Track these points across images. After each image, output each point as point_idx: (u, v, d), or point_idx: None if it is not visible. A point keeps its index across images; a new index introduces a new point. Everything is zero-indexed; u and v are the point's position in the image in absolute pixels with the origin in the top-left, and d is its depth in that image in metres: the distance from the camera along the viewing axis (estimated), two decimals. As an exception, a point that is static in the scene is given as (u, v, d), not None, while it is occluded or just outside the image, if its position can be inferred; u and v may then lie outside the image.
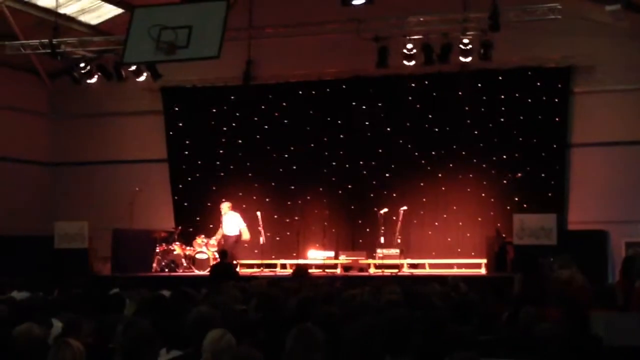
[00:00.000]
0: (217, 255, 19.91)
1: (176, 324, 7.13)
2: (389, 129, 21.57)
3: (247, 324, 7.80)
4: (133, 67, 20.29)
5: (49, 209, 23.23)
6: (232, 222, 20.30)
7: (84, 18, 21.84)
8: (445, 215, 21.09)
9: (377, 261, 19.65)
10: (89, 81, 21.17)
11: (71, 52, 20.82)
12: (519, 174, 19.88)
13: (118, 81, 21.10)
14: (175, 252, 20.45)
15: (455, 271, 19.31)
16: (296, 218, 21.82)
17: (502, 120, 20.77)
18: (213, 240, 20.55)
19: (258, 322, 8.07)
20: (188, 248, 20.55)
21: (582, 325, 7.82)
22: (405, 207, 20.11)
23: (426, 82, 21.17)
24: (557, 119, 20.47)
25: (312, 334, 5.84)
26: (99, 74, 21.06)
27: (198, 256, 20.24)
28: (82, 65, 21.05)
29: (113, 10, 21.71)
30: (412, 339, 5.60)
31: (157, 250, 20.55)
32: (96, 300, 9.64)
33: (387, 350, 5.53)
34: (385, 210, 20.18)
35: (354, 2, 18.36)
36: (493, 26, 17.74)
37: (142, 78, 20.84)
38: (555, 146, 20.50)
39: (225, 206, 20.34)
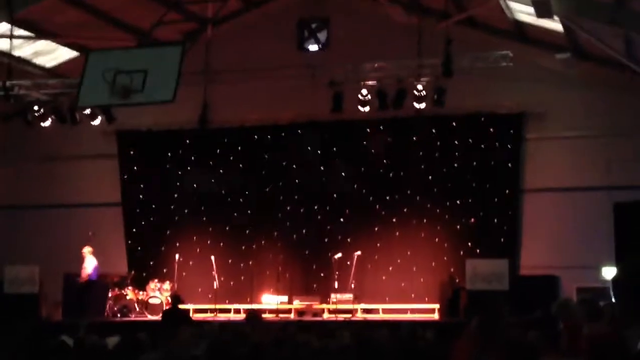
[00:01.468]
0: (170, 300, 19.77)
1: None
2: (343, 174, 21.68)
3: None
4: (88, 111, 20.19)
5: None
6: (90, 265, 20.18)
7: (38, 61, 21.73)
8: (399, 260, 21.09)
9: (331, 306, 19.61)
10: (42, 124, 20.91)
11: (25, 95, 20.65)
12: (473, 220, 20.07)
13: (72, 124, 20.93)
14: (127, 297, 20.31)
15: (408, 316, 19.31)
16: (250, 262, 21.78)
17: (455, 165, 20.97)
18: (166, 285, 20.37)
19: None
20: (141, 293, 20.39)
21: None
22: (359, 252, 20.17)
23: (381, 127, 21.34)
24: (509, 165, 20.73)
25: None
26: (53, 117, 20.87)
27: (151, 301, 20.10)
28: (35, 107, 20.80)
29: (68, 53, 21.65)
30: None
31: (110, 295, 20.37)
32: (38, 349, 9.47)
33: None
34: (340, 255, 20.20)
35: (309, 48, 18.52)
36: (446, 73, 17.93)
37: (96, 121, 20.72)
38: (508, 192, 20.72)
39: (86, 250, 20.24)
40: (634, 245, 11.52)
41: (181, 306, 19.81)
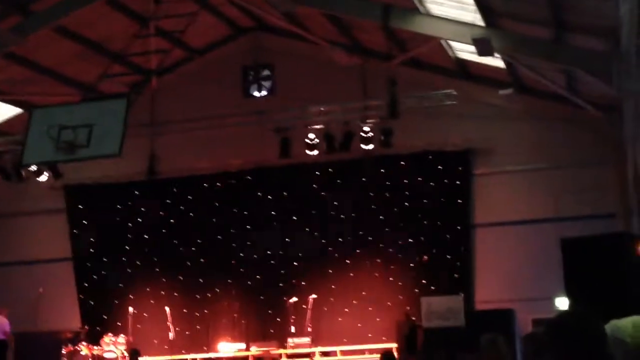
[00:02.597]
0: (125, 354, 19.64)
1: None
2: (294, 218, 21.75)
3: None
4: (33, 167, 19.99)
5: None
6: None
7: (-19, 118, 21.53)
8: (355, 301, 21.15)
9: (289, 351, 19.58)
10: (-13, 182, 20.73)
11: (-32, 153, 20.44)
12: (425, 257, 20.23)
13: (18, 182, 20.74)
14: (82, 353, 19.98)
15: (367, 357, 19.29)
16: (206, 311, 21.75)
17: (406, 204, 21.13)
18: (121, 339, 20.15)
19: None
20: (96, 348, 20.10)
21: None
22: (314, 295, 20.20)
23: (330, 170, 21.47)
24: (459, 201, 20.96)
25: None
26: (-2, 174, 20.70)
27: (106, 355, 19.85)
28: (-20, 165, 20.60)
29: (11, 111, 21.51)
30: None
31: (64, 352, 20.02)
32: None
33: None
34: (295, 299, 20.23)
35: (254, 94, 18.61)
36: (392, 114, 18.10)
37: (43, 178, 20.50)
38: (459, 227, 20.93)
39: None
40: (582, 279, 11.66)
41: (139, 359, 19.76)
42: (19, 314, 20.92)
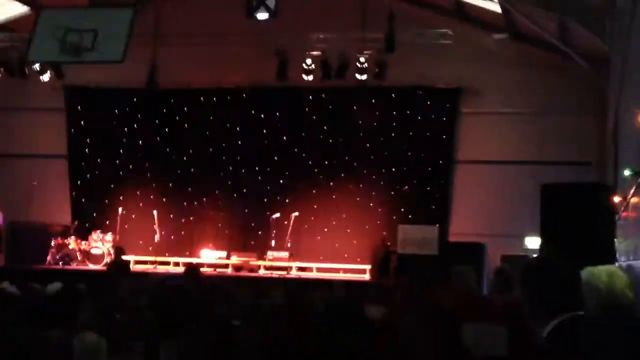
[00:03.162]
0: (111, 251, 20.32)
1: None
2: (285, 138, 22.30)
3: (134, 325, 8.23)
4: (37, 66, 20.40)
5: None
6: None
7: (-12, 14, 21.67)
8: (334, 222, 21.81)
9: (267, 262, 20.21)
10: (-9, 76, 21.03)
11: (-27, 47, 20.78)
12: (406, 187, 20.83)
13: (21, 78, 21.15)
14: (70, 246, 20.56)
15: (340, 275, 19.95)
16: (191, 218, 22.38)
17: (393, 135, 21.67)
18: (109, 236, 20.80)
19: (148, 323, 8.51)
20: (83, 243, 20.69)
21: (453, 336, 8.36)
22: (296, 213, 20.82)
23: (323, 95, 21.96)
24: (444, 137, 21.51)
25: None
26: (2, 69, 21.07)
27: (93, 251, 20.43)
28: (-17, 60, 20.86)
29: (19, 9, 21.60)
30: (292, 353, 6.10)
31: (53, 244, 20.64)
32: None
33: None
34: (277, 215, 20.86)
35: (258, 16, 18.95)
36: (389, 48, 18.60)
37: (45, 77, 20.90)
38: (441, 162, 21.54)
39: None
40: (556, 223, 12.25)
41: (123, 257, 20.36)
42: (12, 204, 21.65)
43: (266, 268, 20.16)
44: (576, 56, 18.48)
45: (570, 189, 13.06)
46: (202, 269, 17.73)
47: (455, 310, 9.99)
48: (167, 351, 6.14)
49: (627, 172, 11.07)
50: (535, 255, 16.21)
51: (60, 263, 20.36)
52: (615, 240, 12.18)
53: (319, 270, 20.70)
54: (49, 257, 20.56)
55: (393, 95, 21.62)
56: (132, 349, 6.57)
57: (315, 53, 19.85)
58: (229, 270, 20.36)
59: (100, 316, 7.77)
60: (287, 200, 21.86)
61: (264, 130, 22.39)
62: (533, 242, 18.67)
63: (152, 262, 20.73)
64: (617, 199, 12.67)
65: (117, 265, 17.26)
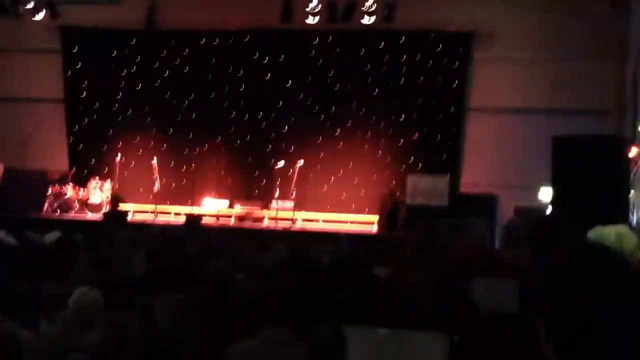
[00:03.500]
0: (110, 199, 19.86)
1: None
2: (289, 84, 21.62)
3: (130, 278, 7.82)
4: (31, 4, 19.73)
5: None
6: None
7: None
8: (341, 172, 21.27)
9: (272, 212, 19.73)
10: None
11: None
12: (416, 135, 20.20)
13: (14, 17, 20.47)
14: (67, 195, 20.18)
15: (347, 227, 19.48)
16: (193, 166, 21.83)
17: (402, 81, 20.99)
18: (107, 184, 20.33)
19: (143, 276, 8.06)
20: (81, 190, 20.29)
21: (461, 292, 7.95)
22: (301, 162, 20.23)
23: (329, 39, 21.24)
24: (456, 83, 20.83)
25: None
26: (-5, 8, 20.43)
27: (91, 199, 20.03)
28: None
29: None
30: (293, 306, 5.72)
31: (49, 192, 20.22)
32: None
33: (267, 314, 5.64)
34: (282, 163, 20.25)
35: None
36: (398, -12, 17.93)
37: (39, 16, 20.29)
38: (452, 110, 20.88)
39: None
40: (569, 176, 11.72)
41: (122, 205, 19.93)
42: (7, 151, 20.97)
43: (271, 218, 19.65)
44: (596, -1, 17.81)
45: (582, 141, 12.50)
46: (203, 219, 17.32)
47: (464, 265, 9.52)
48: (163, 306, 5.88)
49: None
50: (546, 213, 15.69)
51: (58, 211, 19.95)
52: (631, 194, 11.68)
53: (325, 221, 20.27)
54: (46, 206, 20.15)
55: (402, 39, 20.87)
56: (127, 303, 6.23)
57: (321, -6, 19.13)
58: (232, 221, 19.87)
59: (96, 269, 7.65)
60: (291, 149, 21.29)
61: (268, 75, 21.70)
62: (548, 194, 18.06)
63: (152, 212, 20.26)
64: (635, 151, 12.20)
65: (113, 215, 16.81)
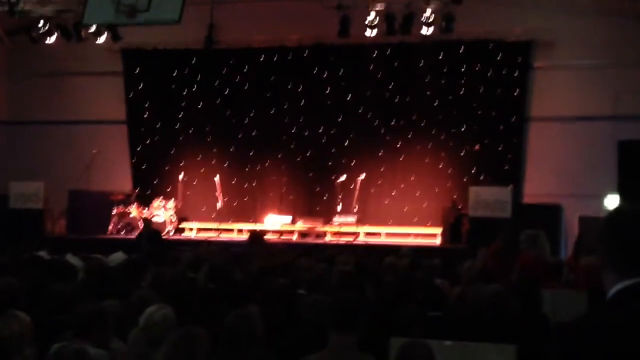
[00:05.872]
0: (173, 220, 20.13)
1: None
2: (349, 98, 21.56)
3: (196, 295, 7.85)
4: (93, 28, 20.04)
5: (5, 168, 22.81)
6: None
7: (43, -24, 21.38)
8: (402, 185, 21.14)
9: (334, 228, 19.68)
10: (47, 40, 20.72)
11: (30, 11, 20.40)
12: (477, 146, 20.01)
13: (77, 41, 20.78)
14: (131, 215, 20.37)
15: (410, 240, 19.29)
16: (254, 183, 21.92)
17: (461, 92, 20.81)
18: (170, 204, 20.49)
19: (209, 293, 8.10)
20: (145, 210, 20.45)
21: (534, 303, 7.88)
22: (363, 176, 20.20)
23: (388, 52, 21.18)
24: (516, 93, 20.60)
25: (251, 319, 5.88)
26: (58, 33, 20.67)
27: (154, 219, 20.11)
28: (40, 23, 20.55)
29: (74, -29, 21.26)
30: (359, 318, 5.69)
31: (114, 212, 20.43)
32: (45, 267, 9.48)
33: (334, 327, 5.62)
34: (343, 178, 20.23)
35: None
36: (455, -1, 17.79)
37: (101, 39, 20.53)
38: (513, 119, 20.65)
39: None
40: (636, 181, 11.51)
41: (186, 224, 20.13)
42: (73, 172, 21.26)
43: (333, 234, 19.61)
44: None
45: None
46: (266, 236, 17.34)
47: (533, 278, 9.41)
48: (230, 321, 5.87)
49: None
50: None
51: (122, 232, 20.13)
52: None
53: (387, 235, 20.00)
54: (110, 226, 20.38)
55: (461, 50, 20.72)
56: (195, 320, 6.26)
57: (378, 7, 19.02)
58: (295, 237, 19.86)
59: (160, 287, 7.73)
60: (352, 163, 21.25)
61: (327, 90, 21.70)
62: (613, 202, 17.75)
63: (216, 230, 20.38)
64: None
65: (148, 235, 16.67)
